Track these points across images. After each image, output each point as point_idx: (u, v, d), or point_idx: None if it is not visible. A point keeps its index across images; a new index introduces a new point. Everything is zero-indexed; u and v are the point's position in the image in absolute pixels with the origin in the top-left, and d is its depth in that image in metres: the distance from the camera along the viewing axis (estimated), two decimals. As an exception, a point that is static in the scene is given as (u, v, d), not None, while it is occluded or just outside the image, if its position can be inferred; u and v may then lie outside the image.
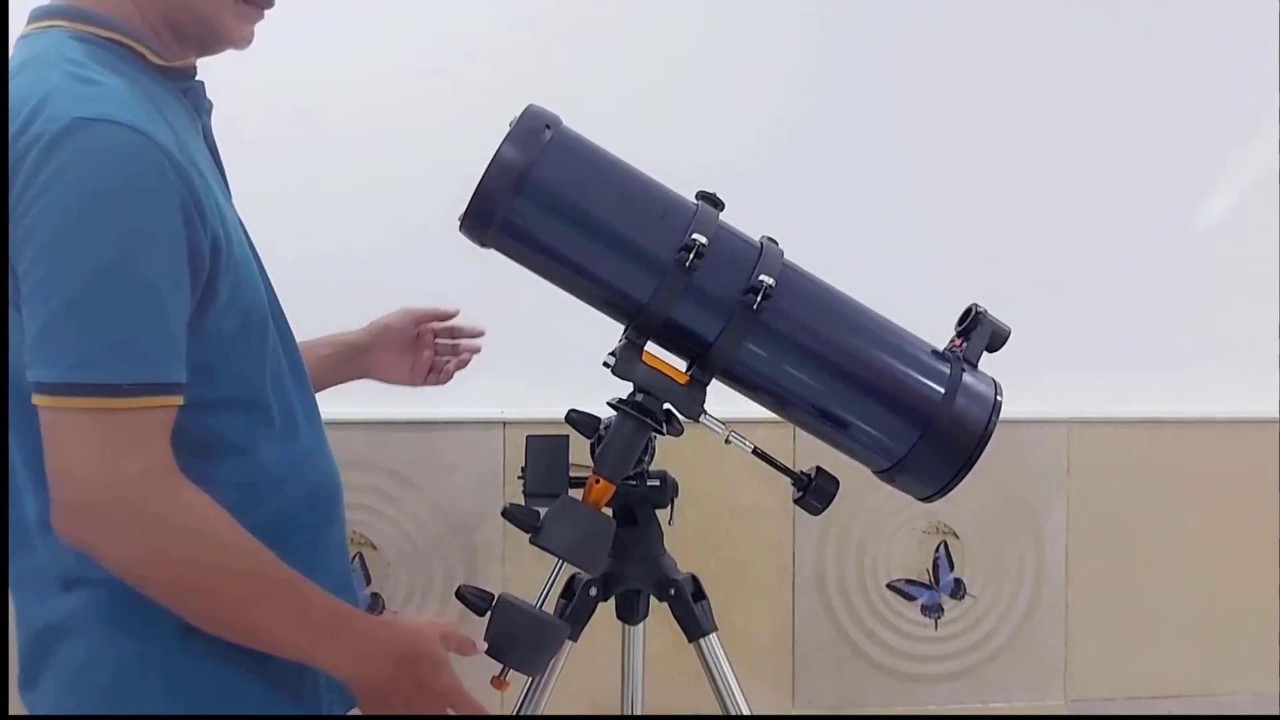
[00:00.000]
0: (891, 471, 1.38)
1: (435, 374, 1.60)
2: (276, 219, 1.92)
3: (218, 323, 1.07)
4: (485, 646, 1.23)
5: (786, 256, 1.34)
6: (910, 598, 2.20)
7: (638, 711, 1.55)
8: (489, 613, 1.26)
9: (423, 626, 1.18)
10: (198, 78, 1.20)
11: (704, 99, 2.12)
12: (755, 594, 2.12)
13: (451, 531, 2.02)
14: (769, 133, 2.13)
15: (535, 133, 1.27)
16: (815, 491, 1.40)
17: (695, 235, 1.26)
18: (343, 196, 1.99)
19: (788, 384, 1.35)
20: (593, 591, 1.42)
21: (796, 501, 1.42)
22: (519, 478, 1.40)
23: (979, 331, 1.40)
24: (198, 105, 1.19)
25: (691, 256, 1.26)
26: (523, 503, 1.39)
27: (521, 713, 1.45)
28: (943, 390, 1.35)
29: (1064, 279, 2.24)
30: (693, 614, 1.44)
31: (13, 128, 1.00)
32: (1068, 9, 2.23)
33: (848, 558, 2.17)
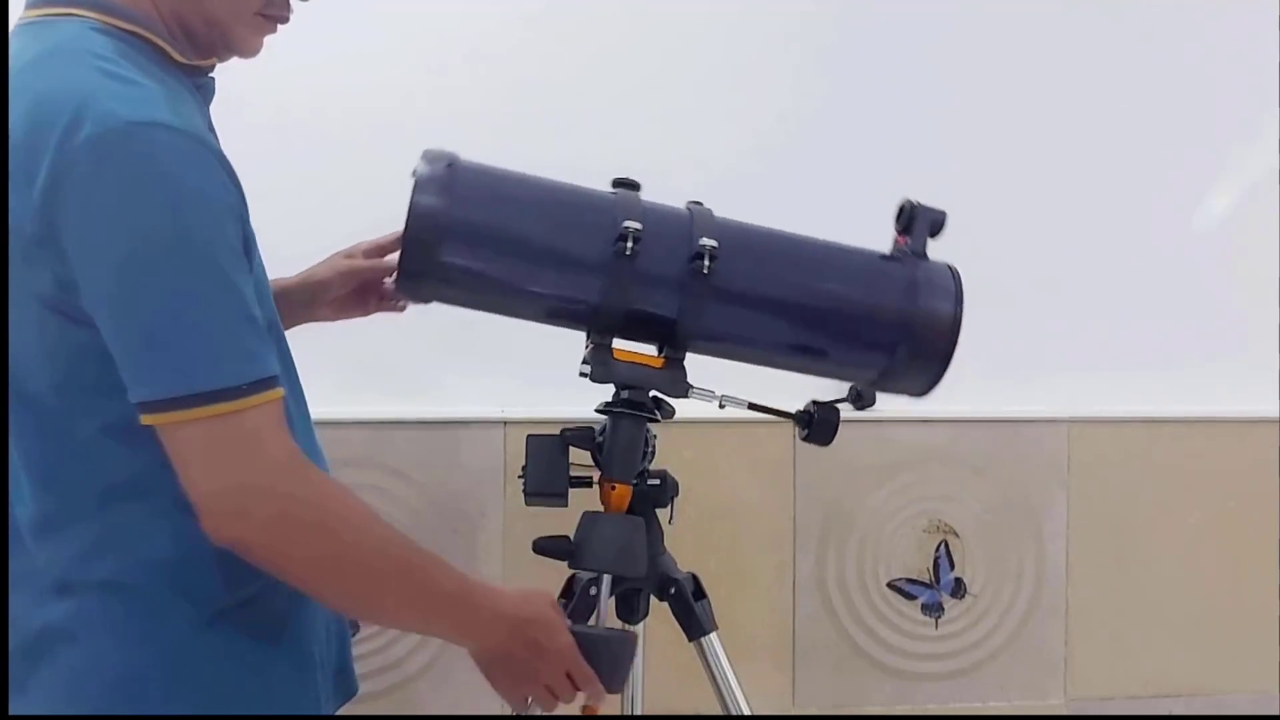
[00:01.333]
0: (880, 381, 1.41)
1: (389, 302, 1.55)
2: (276, 217, 1.92)
3: None
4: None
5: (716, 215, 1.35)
6: (911, 597, 2.20)
7: (638, 711, 1.55)
8: None
9: (532, 592, 1.22)
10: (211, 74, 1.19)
11: (703, 98, 2.12)
12: (755, 594, 2.12)
13: (452, 531, 2.02)
14: (769, 131, 2.13)
15: (441, 174, 1.26)
16: (819, 425, 1.42)
17: (626, 223, 1.26)
18: (341, 195, 1.99)
19: (758, 335, 1.37)
20: (593, 591, 1.42)
21: (804, 439, 1.43)
22: (519, 477, 1.40)
23: (919, 222, 1.40)
24: (205, 100, 1.18)
25: (630, 244, 1.25)
26: (523, 503, 1.39)
27: (522, 713, 1.45)
28: (905, 292, 1.36)
29: (1064, 279, 2.24)
30: (693, 613, 1.44)
31: (51, 127, 0.96)
32: (1068, 9, 2.23)
33: (848, 557, 2.17)
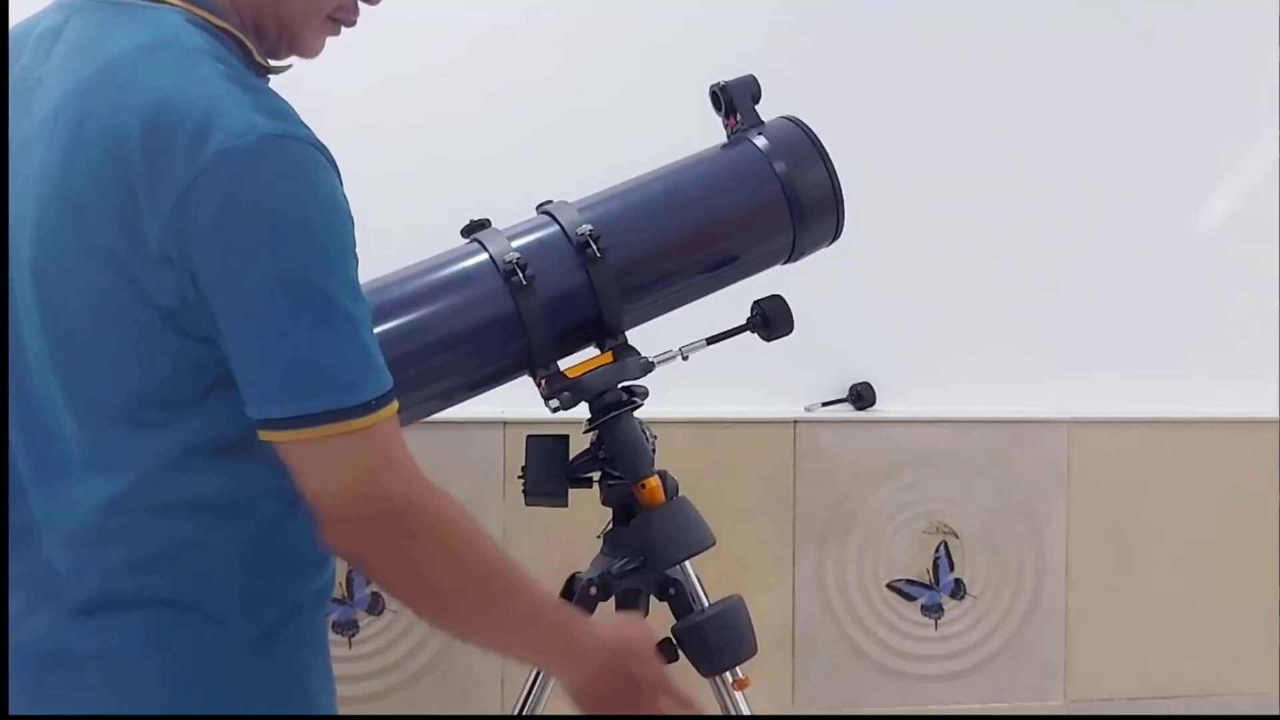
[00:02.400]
0: (797, 252, 1.41)
1: None
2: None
3: None
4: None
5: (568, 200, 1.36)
6: (910, 598, 2.20)
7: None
8: (681, 649, 1.28)
9: (628, 620, 1.21)
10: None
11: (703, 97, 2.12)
12: (755, 594, 2.11)
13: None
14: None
15: None
16: (775, 318, 1.40)
17: (507, 256, 1.27)
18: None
19: (672, 280, 1.38)
20: (593, 591, 1.42)
21: (766, 338, 1.41)
22: (519, 478, 1.40)
23: (737, 99, 1.40)
24: None
25: (522, 275, 1.26)
26: (523, 503, 1.39)
27: (522, 713, 1.45)
28: (767, 168, 1.36)
29: (1064, 279, 2.24)
30: (693, 613, 1.44)
31: (176, 132, 0.93)
32: (1068, 9, 2.24)
33: (848, 558, 2.16)
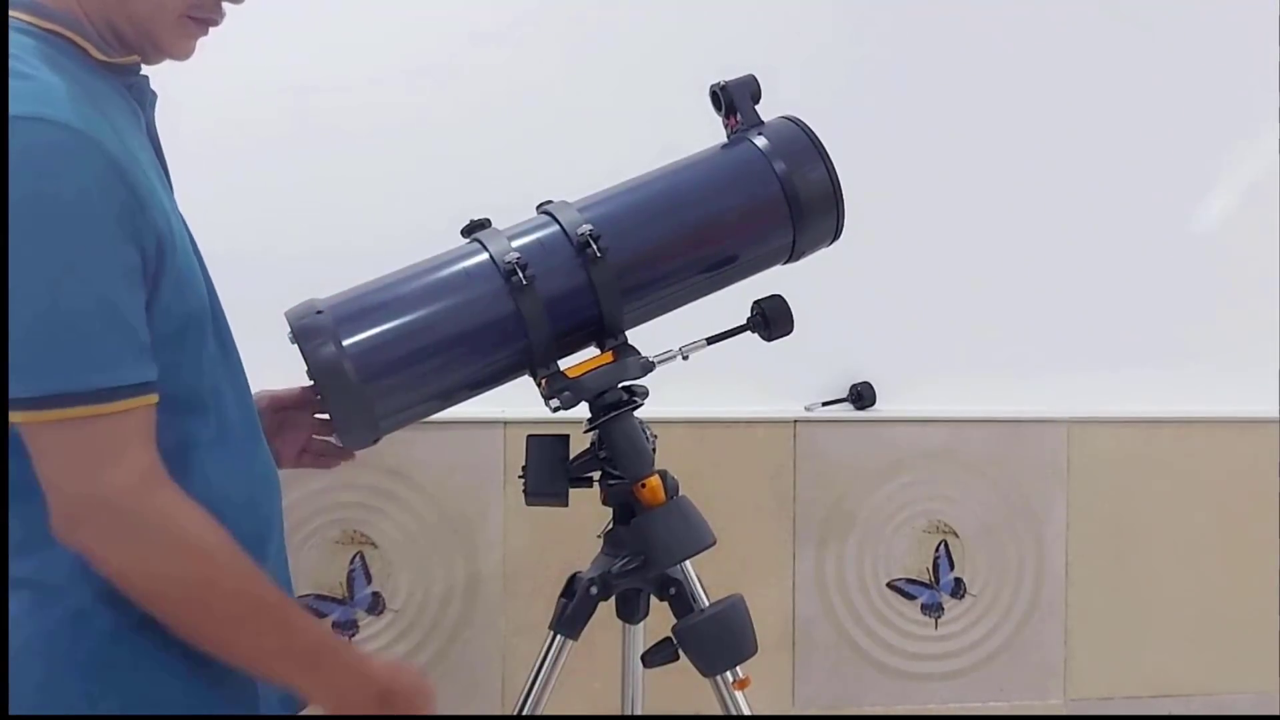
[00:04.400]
0: (796, 252, 1.41)
1: (311, 456, 1.42)
2: (267, 216, 1.93)
3: (156, 325, 1.05)
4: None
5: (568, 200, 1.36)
6: (910, 597, 2.20)
7: (638, 711, 1.55)
8: (681, 650, 1.29)
9: (405, 664, 1.17)
10: (143, 73, 1.16)
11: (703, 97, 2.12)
12: (755, 594, 2.11)
13: (452, 530, 2.02)
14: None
15: (316, 323, 1.25)
16: (776, 318, 1.41)
17: (507, 256, 1.27)
18: (334, 193, 1.99)
19: (672, 280, 1.38)
20: (593, 591, 1.42)
21: (767, 338, 1.42)
22: (519, 477, 1.40)
23: (737, 98, 1.41)
24: (140, 100, 1.15)
25: (522, 274, 1.26)
26: (523, 503, 1.39)
27: (522, 713, 1.45)
28: (767, 169, 1.36)
29: (1064, 279, 2.24)
30: (693, 613, 1.44)
31: None
32: (1068, 9, 2.24)
33: (848, 557, 2.17)
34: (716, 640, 1.28)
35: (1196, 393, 2.26)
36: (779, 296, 1.41)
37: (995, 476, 2.20)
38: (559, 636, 1.42)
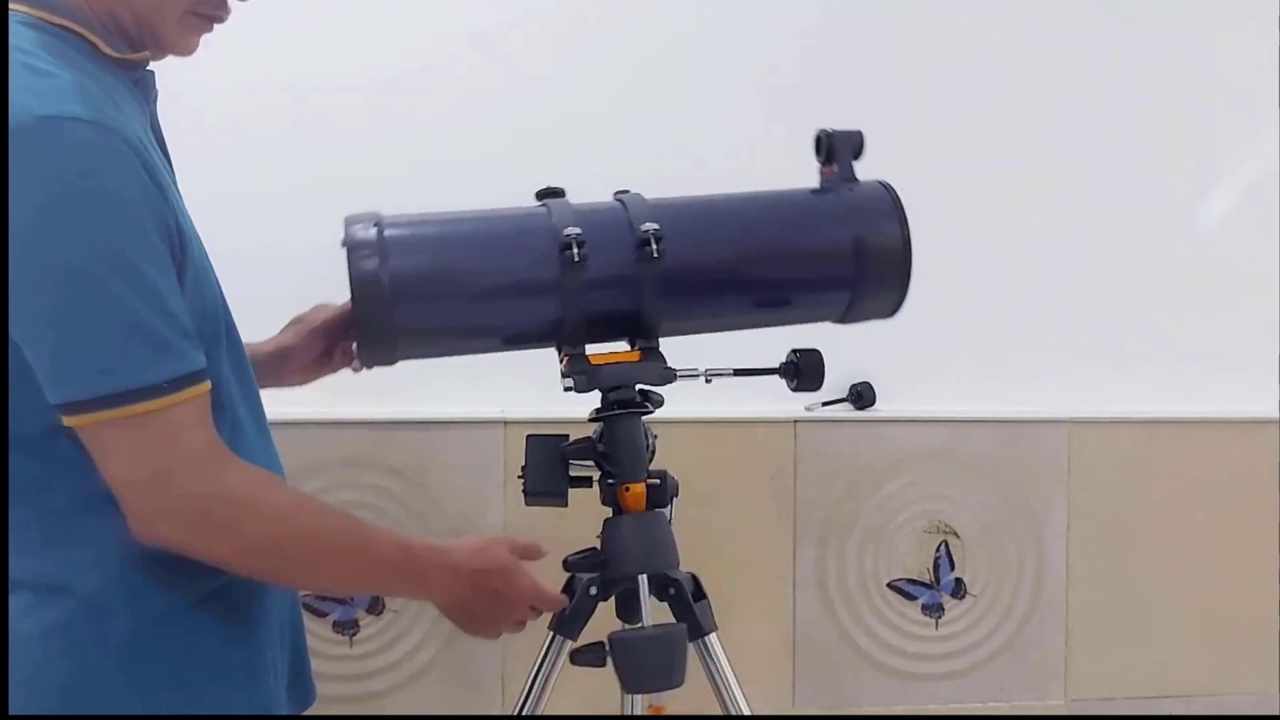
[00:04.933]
0: (850, 313, 1.42)
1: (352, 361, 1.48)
2: (266, 216, 1.93)
3: None
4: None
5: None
6: (911, 597, 2.20)
7: (638, 711, 1.54)
8: (610, 658, 1.28)
9: (487, 542, 1.26)
10: (149, 68, 1.16)
11: (703, 98, 2.12)
12: (755, 594, 2.12)
13: (452, 530, 2.02)
14: (771, 132, 2.13)
15: (371, 236, 1.26)
16: (807, 370, 1.41)
17: (567, 231, 1.27)
18: (333, 192, 1.99)
19: (720, 303, 1.38)
20: (593, 591, 1.42)
21: (794, 389, 1.42)
22: (519, 477, 1.40)
23: (839, 149, 1.41)
24: (146, 95, 1.15)
25: (576, 251, 1.26)
26: (523, 503, 1.39)
27: (522, 713, 1.45)
28: (846, 223, 1.37)
29: (1064, 279, 2.24)
30: (693, 614, 1.43)
31: None
32: (1068, 8, 2.24)
33: (848, 557, 2.17)
34: (651, 661, 1.26)
35: (1196, 393, 2.26)
36: (817, 352, 1.41)
37: (995, 476, 2.20)
38: (558, 636, 1.42)
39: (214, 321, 1.12)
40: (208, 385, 1.03)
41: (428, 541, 1.24)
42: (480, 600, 1.24)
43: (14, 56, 0.99)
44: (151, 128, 1.15)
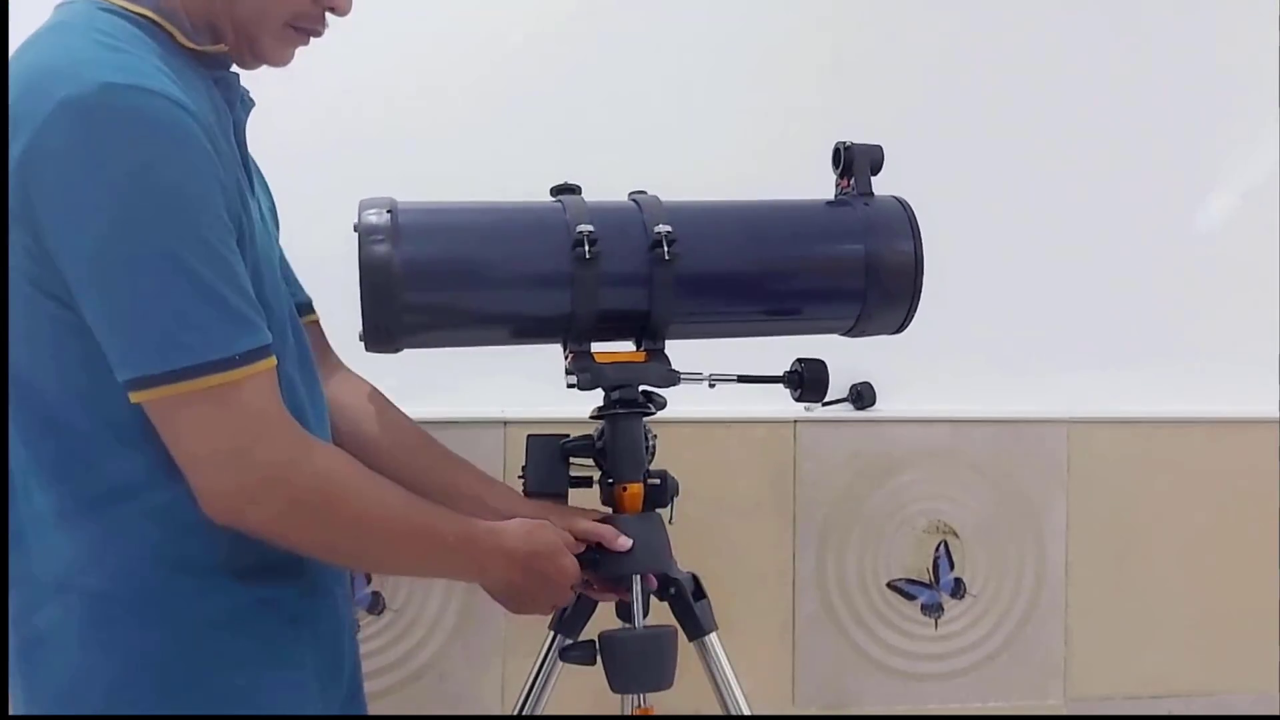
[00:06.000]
0: (857, 328, 1.41)
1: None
2: (296, 217, 1.92)
3: None
4: (626, 545, 1.32)
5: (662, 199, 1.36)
6: (910, 597, 2.20)
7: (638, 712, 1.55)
8: (600, 657, 1.29)
9: (535, 524, 1.27)
10: (232, 69, 1.15)
11: (705, 98, 2.12)
12: (755, 594, 2.12)
13: (452, 531, 2.02)
14: (772, 132, 2.13)
15: (385, 221, 1.25)
16: (811, 382, 1.41)
17: (580, 227, 1.26)
18: (352, 195, 1.99)
19: (730, 308, 1.38)
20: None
21: (798, 399, 1.43)
22: (519, 477, 1.40)
23: (858, 163, 1.41)
24: (229, 98, 1.14)
25: (588, 248, 1.26)
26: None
27: (522, 713, 1.45)
28: (860, 237, 1.37)
29: (1064, 279, 2.24)
30: (693, 613, 1.44)
31: (36, 93, 0.93)
32: (1067, 9, 2.24)
33: (848, 557, 2.17)
34: (640, 661, 1.27)
35: (1197, 393, 2.26)
36: (822, 363, 1.41)
37: (995, 476, 2.20)
38: (559, 636, 1.42)
39: (280, 318, 1.12)
40: (275, 360, 1.02)
41: (486, 525, 1.23)
42: (530, 582, 1.26)
43: (91, 35, 0.98)
44: (235, 134, 1.14)
